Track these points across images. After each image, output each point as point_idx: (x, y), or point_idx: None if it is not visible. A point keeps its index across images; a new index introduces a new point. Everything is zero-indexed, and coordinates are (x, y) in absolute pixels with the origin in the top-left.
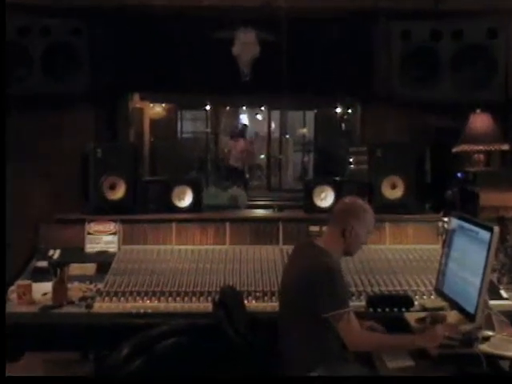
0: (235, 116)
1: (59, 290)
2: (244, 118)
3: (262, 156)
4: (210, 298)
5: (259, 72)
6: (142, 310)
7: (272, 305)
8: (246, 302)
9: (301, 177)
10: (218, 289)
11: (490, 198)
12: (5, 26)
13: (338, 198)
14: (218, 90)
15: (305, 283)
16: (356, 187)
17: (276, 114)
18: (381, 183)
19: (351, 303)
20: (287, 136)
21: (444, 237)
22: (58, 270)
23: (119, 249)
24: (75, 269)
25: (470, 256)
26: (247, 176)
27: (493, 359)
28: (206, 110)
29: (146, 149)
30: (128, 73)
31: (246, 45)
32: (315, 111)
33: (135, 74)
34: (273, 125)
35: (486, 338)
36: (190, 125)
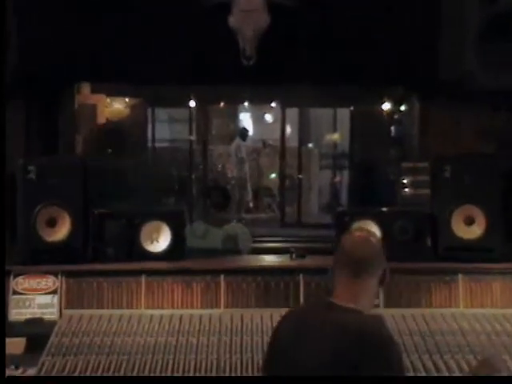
0: (232, 116)
1: None
2: (245, 119)
3: (273, 175)
4: None
5: (268, 52)
6: None
7: None
8: None
9: (330, 206)
10: (208, 374)
11: None
12: (5, 25)
13: (385, 237)
14: (207, 78)
15: (359, 367)
16: (413, 222)
17: (293, 113)
18: (450, 216)
19: None
20: (310, 145)
21: None
22: None
23: (61, 315)
24: None
25: None
26: (251, 204)
27: None
28: (189, 107)
29: (101, 165)
30: (72, 54)
31: (248, 13)
32: (351, 109)
33: (82, 55)
34: (288, 129)
35: None
36: (167, 129)
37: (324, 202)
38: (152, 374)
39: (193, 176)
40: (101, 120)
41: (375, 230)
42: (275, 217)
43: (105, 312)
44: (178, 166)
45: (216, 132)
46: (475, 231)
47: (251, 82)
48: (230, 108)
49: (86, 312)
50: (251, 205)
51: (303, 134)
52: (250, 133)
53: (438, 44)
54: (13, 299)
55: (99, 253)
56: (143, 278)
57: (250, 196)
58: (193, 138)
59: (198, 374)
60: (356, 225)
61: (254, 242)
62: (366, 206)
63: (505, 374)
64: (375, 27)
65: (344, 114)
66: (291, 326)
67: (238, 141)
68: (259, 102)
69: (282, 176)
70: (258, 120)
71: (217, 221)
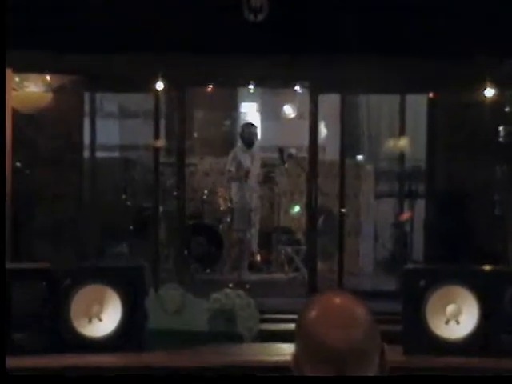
0: (229, 108)
1: None
2: (251, 113)
3: (297, 208)
4: None
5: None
6: None
7: None
8: None
9: (393, 261)
10: None
11: None
12: (5, 25)
13: (488, 313)
14: (187, 43)
15: None
16: None
17: (332, 103)
18: None
19: None
20: (360, 158)
21: None
22: None
23: None
24: None
25: None
26: (258, 257)
27: None
28: (154, 91)
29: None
30: None
31: None
32: (430, 96)
33: None
34: (323, 130)
35: None
36: (116, 129)
37: (383, 253)
38: None
39: (160, 208)
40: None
41: (470, 300)
42: (300, 279)
43: None
44: (134, 190)
45: (201, 134)
46: None
47: (260, 51)
48: (224, 94)
49: None
50: (259, 258)
51: (348, 138)
52: (259, 135)
53: None
54: None
55: (8, 336)
56: None
57: (256, 243)
58: (160, 143)
59: None
60: (439, 295)
61: (264, 321)
62: (454, 261)
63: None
64: None
65: (418, 104)
66: None
67: (238, 149)
68: (274, 83)
69: (311, 209)
70: (271, 114)
71: (201, 284)
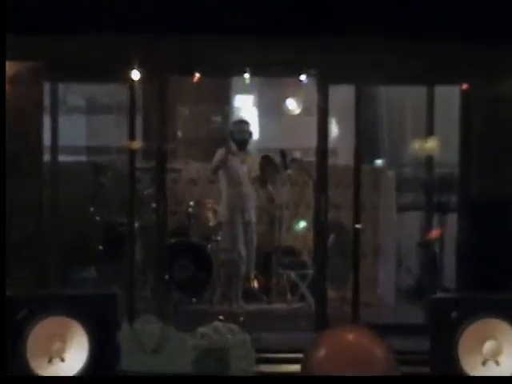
0: (219, 101)
1: None
2: (246, 107)
3: (303, 224)
4: None
5: None
6: None
7: None
8: None
9: (419, 288)
10: None
11: None
12: (5, 26)
13: None
14: (168, 22)
15: None
16: None
17: (344, 95)
18: None
19: None
20: (378, 163)
21: None
22: None
23: None
24: None
25: None
26: (255, 284)
27: None
28: (129, 81)
29: None
30: None
31: None
32: (463, 87)
33: None
34: (334, 129)
35: None
36: (82, 126)
37: (407, 279)
38: None
39: (136, 224)
40: None
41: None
42: (306, 310)
43: None
44: (105, 201)
45: (186, 133)
46: None
47: (257, 32)
48: (214, 85)
49: None
50: (256, 284)
51: (365, 138)
52: (256, 134)
53: None
54: None
55: None
56: None
57: (253, 266)
58: (137, 145)
59: None
60: (472, 326)
61: (261, 361)
62: (492, 289)
63: None
64: None
65: (449, 98)
66: None
67: (229, 150)
68: (275, 72)
69: (320, 225)
70: (271, 109)
71: (185, 317)
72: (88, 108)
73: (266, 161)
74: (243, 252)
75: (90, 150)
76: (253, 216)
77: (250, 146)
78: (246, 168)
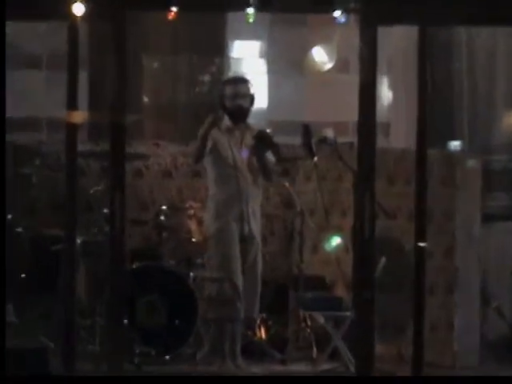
0: (210, 50)
1: None
2: (247, 59)
3: (336, 239)
4: None
5: None
6: None
7: None
8: None
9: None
10: None
11: None
12: (4, 26)
13: None
14: None
15: None
16: None
17: (403, 39)
18: None
19: None
20: (453, 147)
21: None
22: None
23: None
24: None
25: None
26: (261, 332)
27: None
28: (73, 16)
29: None
30: None
31: None
32: None
33: None
34: (386, 94)
35: None
36: None
37: (499, 326)
38: None
39: (78, 239)
40: None
41: None
42: (341, 373)
43: None
44: (28, 204)
45: (156, 99)
46: None
47: None
48: (198, 23)
49: None
50: (263, 333)
51: (432, 110)
52: (261, 100)
53: None
54: None
55: None
56: None
57: (258, 304)
58: (80, 116)
59: None
60: None
61: None
62: None
63: None
64: None
65: None
66: None
67: (218, 124)
68: (294, 5)
69: (363, 242)
70: (288, 64)
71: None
72: (8, 60)
73: (261, 140)
74: (242, 283)
75: (9, 124)
76: (256, 227)
77: (253, 119)
78: (247, 153)
